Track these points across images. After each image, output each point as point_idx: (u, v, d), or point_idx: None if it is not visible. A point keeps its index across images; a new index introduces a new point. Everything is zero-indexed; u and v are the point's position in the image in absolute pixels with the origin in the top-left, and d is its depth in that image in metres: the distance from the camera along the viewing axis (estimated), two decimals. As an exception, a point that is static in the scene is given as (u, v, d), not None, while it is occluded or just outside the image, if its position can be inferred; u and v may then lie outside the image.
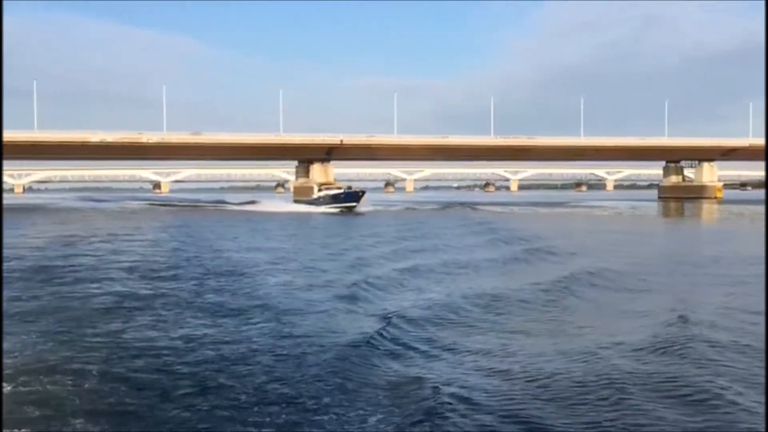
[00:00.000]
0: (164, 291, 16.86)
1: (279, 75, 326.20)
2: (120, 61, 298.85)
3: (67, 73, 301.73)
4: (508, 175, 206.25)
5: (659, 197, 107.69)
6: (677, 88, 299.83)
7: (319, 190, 75.51)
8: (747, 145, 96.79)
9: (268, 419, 7.88)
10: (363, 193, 69.99)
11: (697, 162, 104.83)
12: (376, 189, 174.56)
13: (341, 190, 71.85)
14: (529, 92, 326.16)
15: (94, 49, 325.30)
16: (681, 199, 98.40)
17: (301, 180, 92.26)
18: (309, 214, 62.80)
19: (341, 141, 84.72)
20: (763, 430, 7.12)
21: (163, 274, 20.17)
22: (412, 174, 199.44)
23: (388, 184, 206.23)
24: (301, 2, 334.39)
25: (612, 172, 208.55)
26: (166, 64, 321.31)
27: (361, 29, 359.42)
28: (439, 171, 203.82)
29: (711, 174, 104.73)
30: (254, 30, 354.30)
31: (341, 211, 66.53)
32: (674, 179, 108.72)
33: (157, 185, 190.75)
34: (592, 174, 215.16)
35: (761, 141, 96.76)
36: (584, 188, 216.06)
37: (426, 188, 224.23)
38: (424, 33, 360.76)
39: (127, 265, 22.15)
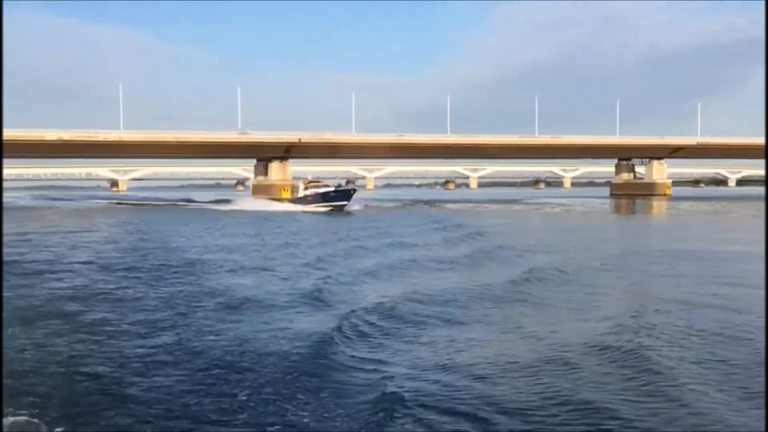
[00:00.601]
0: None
1: (242, 72, 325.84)
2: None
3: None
4: (467, 173, 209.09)
5: (611, 194, 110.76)
6: (634, 87, 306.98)
7: (306, 188, 67.35)
8: (695, 143, 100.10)
9: (212, 385, 9.07)
10: (354, 191, 67.03)
11: (647, 160, 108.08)
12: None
13: (330, 188, 66.21)
14: (490, 91, 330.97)
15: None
16: (632, 195, 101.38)
17: (260, 178, 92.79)
18: (294, 214, 57.57)
19: (299, 139, 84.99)
20: (763, 430, 7.34)
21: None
22: (372, 172, 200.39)
23: (348, 182, 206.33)
24: (265, 1, 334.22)
25: (569, 170, 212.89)
26: (123, 61, 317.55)
27: (323, 28, 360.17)
28: (400, 169, 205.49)
29: (660, 171, 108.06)
30: (231, 28, 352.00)
31: (331, 210, 61.75)
32: (626, 177, 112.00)
33: (114, 183, 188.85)
34: (550, 172, 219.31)
35: (710, 140, 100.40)
36: (542, 186, 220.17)
37: (388, 186, 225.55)
38: (387, 31, 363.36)
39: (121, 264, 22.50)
